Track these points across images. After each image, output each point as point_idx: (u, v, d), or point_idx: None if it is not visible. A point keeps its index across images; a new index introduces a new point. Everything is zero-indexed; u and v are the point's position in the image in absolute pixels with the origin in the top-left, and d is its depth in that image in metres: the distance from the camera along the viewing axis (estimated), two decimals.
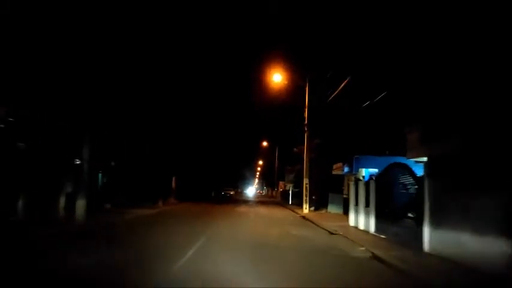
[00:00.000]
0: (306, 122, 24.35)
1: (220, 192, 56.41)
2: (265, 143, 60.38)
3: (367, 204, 13.80)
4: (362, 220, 14.13)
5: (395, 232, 11.03)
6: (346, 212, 21.52)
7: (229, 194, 56.53)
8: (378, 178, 12.85)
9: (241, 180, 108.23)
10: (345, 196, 21.99)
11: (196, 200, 35.81)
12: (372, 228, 12.87)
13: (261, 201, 47.97)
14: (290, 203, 37.78)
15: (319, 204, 25.29)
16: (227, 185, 62.78)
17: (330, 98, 20.48)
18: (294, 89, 26.29)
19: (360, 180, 14.63)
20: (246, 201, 43.19)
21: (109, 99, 17.77)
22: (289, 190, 39.99)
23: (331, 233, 13.08)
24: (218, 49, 41.67)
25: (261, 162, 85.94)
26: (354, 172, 16.90)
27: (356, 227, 14.65)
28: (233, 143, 62.20)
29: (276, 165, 57.50)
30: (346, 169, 18.88)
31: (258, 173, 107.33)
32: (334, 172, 22.53)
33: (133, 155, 22.94)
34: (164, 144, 26.85)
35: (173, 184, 31.15)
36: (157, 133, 25.49)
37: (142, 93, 22.56)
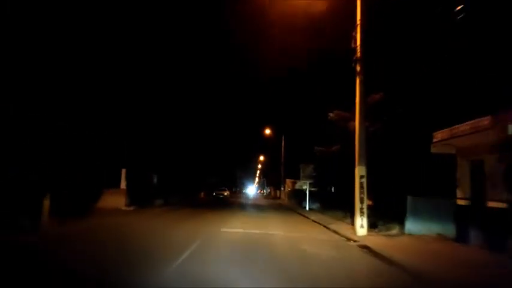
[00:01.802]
0: (359, 54, 12.18)
1: (212, 193, 46.13)
2: (268, 131, 48.20)
3: None
4: None
5: None
6: (464, 239, 9.51)
7: (222, 195, 45.39)
8: None
9: (239, 179, 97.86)
10: (461, 202, 9.88)
11: (175, 204, 25.53)
12: None
13: (264, 205, 34.54)
14: (308, 208, 25.88)
15: (378, 215, 13.22)
16: (222, 184, 52.75)
17: None
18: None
19: None
20: (243, 206, 30.40)
21: None
22: (304, 190, 27.86)
23: None
24: None
25: (262, 158, 74.16)
26: None
27: None
28: (229, 134, 52.35)
29: (282, 158, 45.18)
30: None
31: (258, 171, 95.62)
32: (434, 149, 10.25)
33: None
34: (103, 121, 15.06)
35: (122, 181, 19.00)
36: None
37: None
